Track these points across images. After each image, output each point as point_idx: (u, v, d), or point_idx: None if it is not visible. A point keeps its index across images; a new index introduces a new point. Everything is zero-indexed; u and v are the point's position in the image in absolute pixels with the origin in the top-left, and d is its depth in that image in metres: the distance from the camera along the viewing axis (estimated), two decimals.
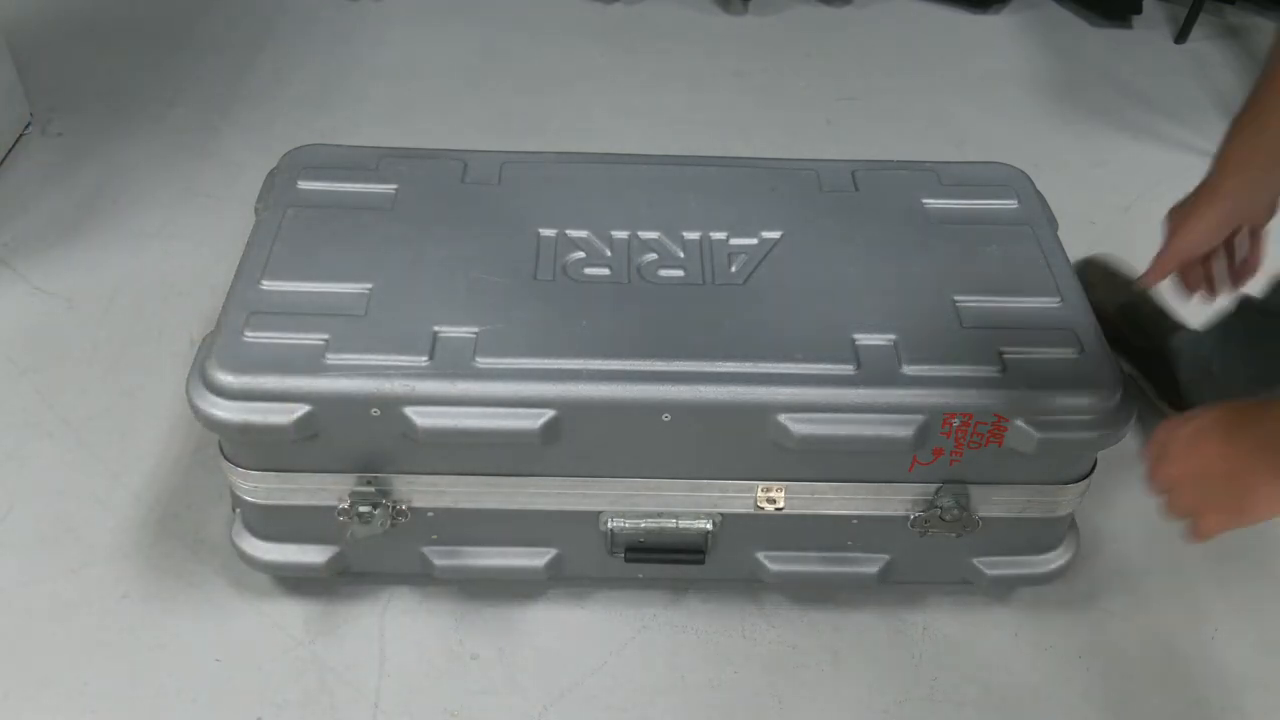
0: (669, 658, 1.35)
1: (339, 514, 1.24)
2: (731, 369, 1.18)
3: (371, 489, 1.23)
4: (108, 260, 1.89)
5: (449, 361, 1.17)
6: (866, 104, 2.40)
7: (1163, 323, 1.66)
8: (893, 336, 1.22)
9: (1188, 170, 1.19)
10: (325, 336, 1.19)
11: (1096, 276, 1.74)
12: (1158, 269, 1.17)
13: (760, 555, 1.33)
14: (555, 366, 1.17)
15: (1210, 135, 1.62)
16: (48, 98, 2.26)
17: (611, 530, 1.28)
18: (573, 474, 1.23)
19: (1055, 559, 1.34)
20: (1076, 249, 1.39)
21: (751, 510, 1.27)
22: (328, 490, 1.24)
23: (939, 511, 1.25)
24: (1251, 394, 1.30)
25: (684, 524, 1.28)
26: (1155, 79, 2.54)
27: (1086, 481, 1.28)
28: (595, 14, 2.66)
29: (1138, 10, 2.76)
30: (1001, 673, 1.35)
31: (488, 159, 1.46)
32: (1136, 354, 1.67)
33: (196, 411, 1.17)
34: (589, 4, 2.68)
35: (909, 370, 1.19)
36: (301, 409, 1.15)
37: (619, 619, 1.38)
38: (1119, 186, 2.19)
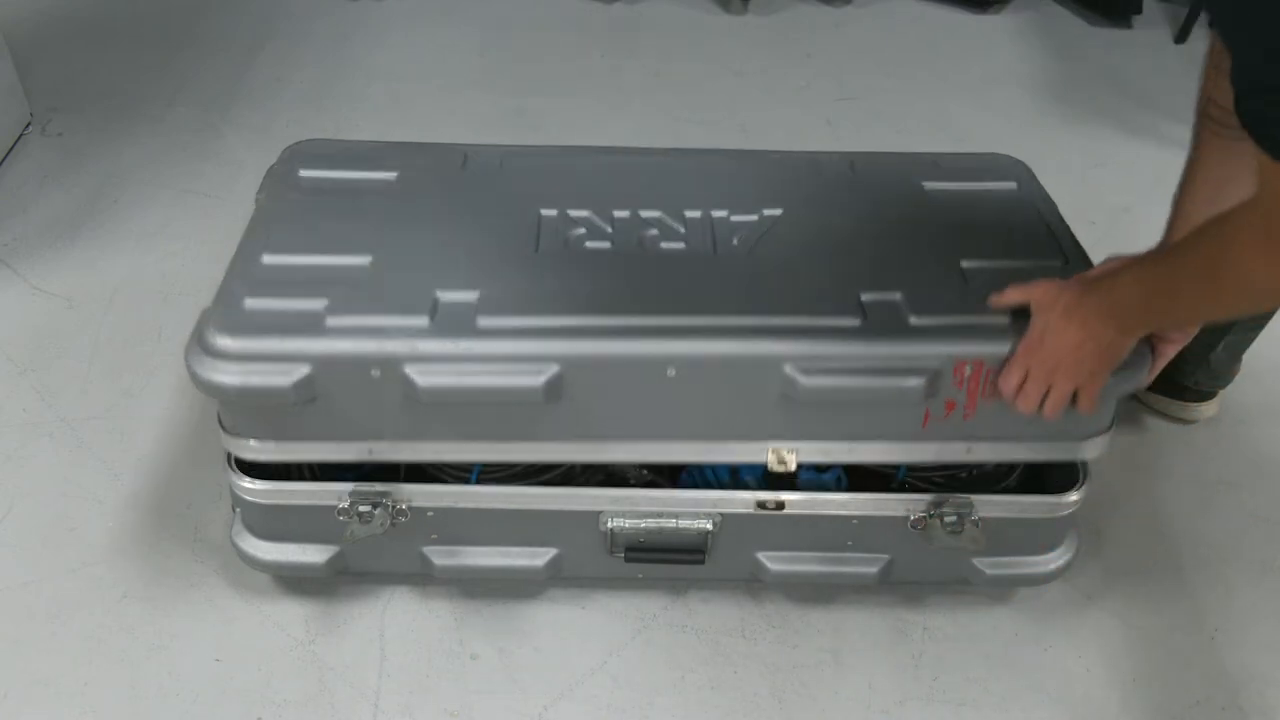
0: (669, 658, 1.35)
1: (339, 514, 1.23)
2: (737, 323, 1.16)
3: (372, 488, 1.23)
4: (108, 260, 1.89)
5: (450, 322, 1.15)
6: (866, 104, 2.40)
7: None
8: (899, 293, 1.20)
9: None
10: (326, 301, 1.16)
11: None
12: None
13: (760, 555, 1.32)
14: (558, 324, 1.15)
15: None
16: (48, 98, 2.26)
17: (611, 530, 1.28)
18: (577, 437, 1.21)
19: (1055, 559, 1.34)
20: None
21: (752, 510, 1.27)
22: (328, 490, 1.24)
23: (942, 523, 1.24)
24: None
25: (684, 524, 1.28)
26: (1155, 79, 2.54)
27: (1086, 482, 1.28)
28: (595, 14, 2.66)
29: (1138, 10, 2.76)
30: (1001, 672, 1.35)
31: (488, 152, 1.45)
32: None
33: (195, 377, 1.14)
34: (589, 4, 2.68)
35: (916, 322, 1.17)
36: (301, 370, 1.13)
37: (619, 619, 1.38)
38: (1119, 186, 2.19)
